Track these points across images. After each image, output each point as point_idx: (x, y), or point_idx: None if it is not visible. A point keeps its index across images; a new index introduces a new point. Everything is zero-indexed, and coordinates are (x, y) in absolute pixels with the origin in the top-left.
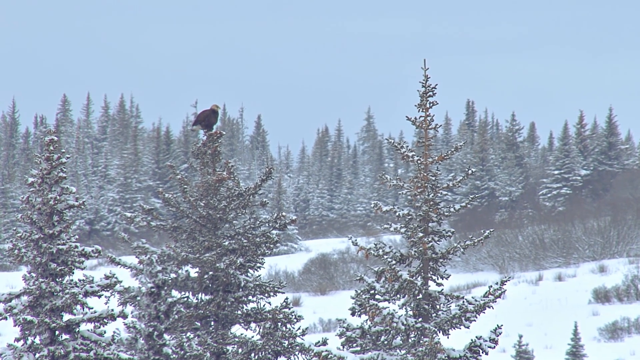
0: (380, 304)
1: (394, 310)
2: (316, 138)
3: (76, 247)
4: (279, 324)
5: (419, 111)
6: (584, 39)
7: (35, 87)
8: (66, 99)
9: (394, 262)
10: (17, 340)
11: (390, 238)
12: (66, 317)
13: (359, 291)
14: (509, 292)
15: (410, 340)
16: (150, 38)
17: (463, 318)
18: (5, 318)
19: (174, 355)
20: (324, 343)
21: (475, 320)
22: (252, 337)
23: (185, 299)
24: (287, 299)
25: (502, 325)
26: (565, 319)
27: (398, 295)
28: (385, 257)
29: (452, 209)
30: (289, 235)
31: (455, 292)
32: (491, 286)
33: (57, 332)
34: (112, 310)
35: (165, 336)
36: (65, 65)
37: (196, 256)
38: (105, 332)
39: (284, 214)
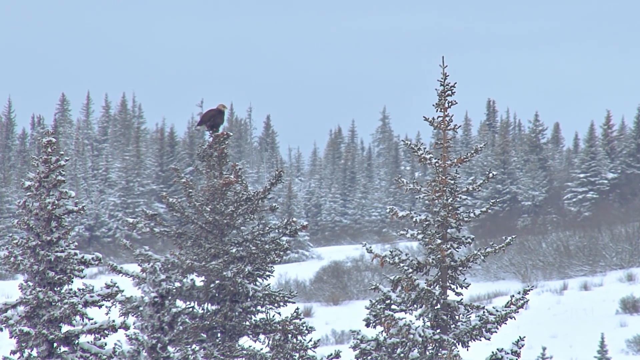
0: (396, 315)
1: (410, 321)
2: (328, 139)
3: (75, 254)
4: (290, 335)
5: (437, 111)
6: (611, 35)
7: (32, 85)
8: (65, 98)
9: (410, 270)
10: (13, 352)
11: (406, 245)
12: (65, 328)
13: (373, 301)
14: (532, 302)
15: (427, 353)
16: (154, 34)
17: (483, 329)
18: (1, 329)
19: None
20: (337, 356)
21: (496, 332)
22: (261, 349)
23: (191, 309)
24: (297, 309)
25: (524, 337)
26: (592, 330)
27: (415, 306)
28: (401, 265)
29: (472, 214)
30: (300, 242)
31: (476, 302)
32: (513, 296)
33: (55, 344)
34: (114, 321)
35: (170, 348)
36: (64, 62)
37: (202, 264)
38: (106, 344)
39: (294, 219)
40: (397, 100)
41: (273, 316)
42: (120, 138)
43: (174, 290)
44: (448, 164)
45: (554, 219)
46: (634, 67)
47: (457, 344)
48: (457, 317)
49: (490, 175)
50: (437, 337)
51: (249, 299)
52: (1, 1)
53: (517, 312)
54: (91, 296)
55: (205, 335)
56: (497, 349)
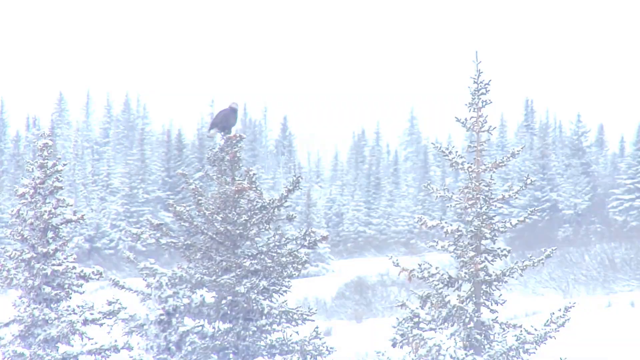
0: (425, 334)
1: (441, 341)
2: (351, 142)
3: (74, 267)
4: (308, 356)
5: (470, 111)
6: None
7: (27, 83)
8: (62, 97)
9: (441, 285)
10: None
11: (436, 258)
12: (62, 348)
13: (400, 319)
14: (574, 320)
15: None
16: (159, 26)
17: (521, 350)
18: None
19: None
20: None
21: (534, 353)
22: None
23: (200, 327)
24: (317, 328)
25: (566, 359)
26: None
27: (446, 324)
28: (431, 279)
29: (508, 224)
30: (320, 254)
31: (512, 320)
32: (553, 313)
33: None
34: (116, 341)
35: None
36: (62, 58)
37: (212, 278)
38: None
39: (314, 229)
40: (426, 100)
41: (290, 336)
42: (123, 140)
43: (182, 307)
44: (482, 169)
45: (597, 229)
46: None
47: None
48: (491, 336)
49: (528, 181)
50: (470, 358)
51: (264, 317)
52: None
53: (558, 331)
54: (91, 314)
55: (216, 357)
56: None
